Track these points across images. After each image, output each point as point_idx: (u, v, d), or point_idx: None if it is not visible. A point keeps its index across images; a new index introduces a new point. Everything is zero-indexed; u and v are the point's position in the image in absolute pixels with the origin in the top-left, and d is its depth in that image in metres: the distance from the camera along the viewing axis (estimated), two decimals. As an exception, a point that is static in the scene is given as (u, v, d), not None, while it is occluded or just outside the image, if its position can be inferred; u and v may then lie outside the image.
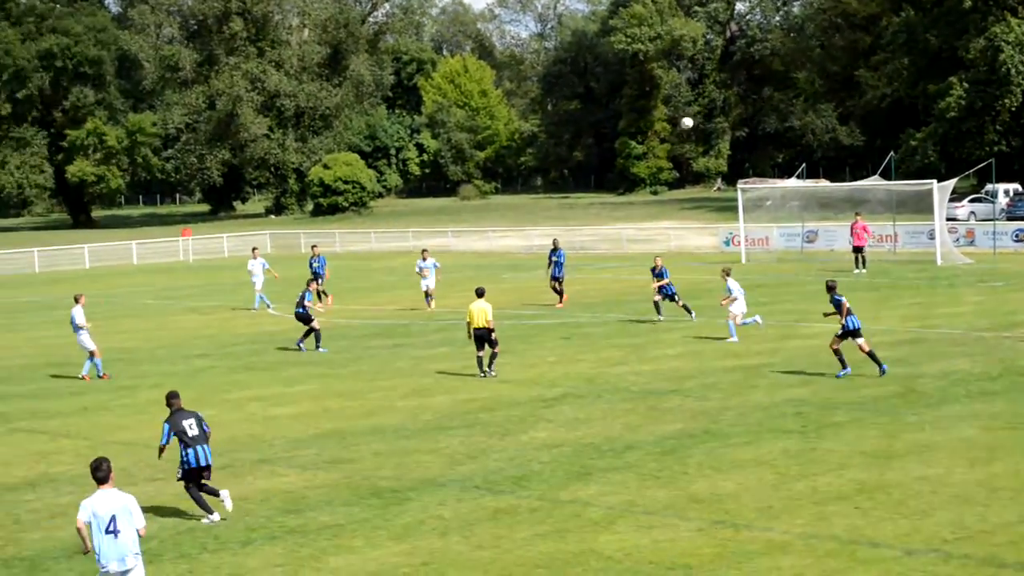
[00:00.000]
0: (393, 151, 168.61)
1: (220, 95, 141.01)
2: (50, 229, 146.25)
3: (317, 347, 40.11)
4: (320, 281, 52.47)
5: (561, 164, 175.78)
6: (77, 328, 37.01)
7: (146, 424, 29.28)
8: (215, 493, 20.98)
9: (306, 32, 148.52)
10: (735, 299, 38.63)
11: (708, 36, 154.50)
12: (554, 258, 49.59)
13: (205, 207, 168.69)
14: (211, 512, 20.96)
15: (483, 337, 33.30)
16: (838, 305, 31.18)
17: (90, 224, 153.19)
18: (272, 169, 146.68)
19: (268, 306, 52.55)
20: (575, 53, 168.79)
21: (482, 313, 33.13)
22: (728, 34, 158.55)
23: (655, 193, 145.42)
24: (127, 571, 15.36)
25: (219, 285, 68.06)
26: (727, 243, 73.37)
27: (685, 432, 25.77)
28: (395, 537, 19.54)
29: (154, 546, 19.50)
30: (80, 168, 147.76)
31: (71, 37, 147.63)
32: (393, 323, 46.03)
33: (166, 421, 21.18)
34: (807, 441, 24.50)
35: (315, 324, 40.38)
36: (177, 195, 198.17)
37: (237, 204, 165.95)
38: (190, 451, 20.90)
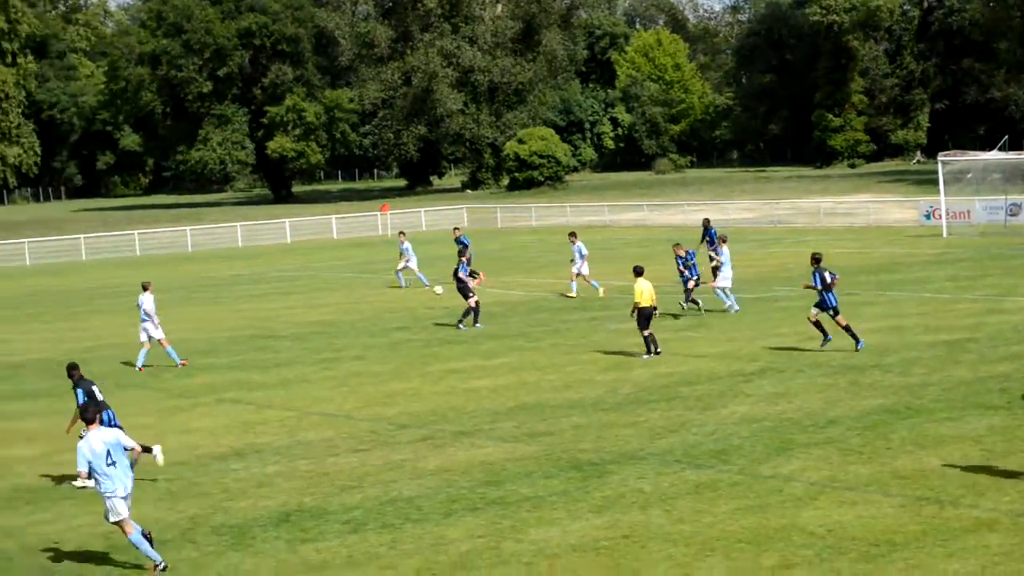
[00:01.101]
0: (587, 125, 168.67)
1: (415, 71, 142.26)
2: (252, 204, 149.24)
3: (475, 324, 40.00)
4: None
5: (756, 137, 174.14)
6: (146, 316, 35.49)
7: (347, 396, 29.76)
8: (148, 450, 20.87)
9: (499, 7, 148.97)
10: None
11: (905, 7, 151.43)
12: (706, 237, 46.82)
13: (402, 182, 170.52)
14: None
15: (649, 316, 32.92)
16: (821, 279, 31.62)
17: (291, 199, 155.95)
18: (467, 144, 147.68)
19: (425, 284, 52.23)
20: (769, 25, 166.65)
21: (650, 292, 32.82)
22: (926, 4, 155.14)
23: (853, 166, 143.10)
24: (129, 494, 17.78)
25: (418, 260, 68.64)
26: (927, 216, 71.88)
27: (886, 407, 25.35)
28: (595, 510, 19.57)
29: (359, 516, 19.82)
30: (280, 144, 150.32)
31: (269, 15, 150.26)
32: (589, 297, 46.00)
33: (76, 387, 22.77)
34: (1014, 418, 23.93)
35: (472, 301, 40.16)
36: (375, 170, 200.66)
37: (434, 179, 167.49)
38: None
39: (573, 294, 46.70)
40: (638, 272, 33.30)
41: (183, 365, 35.27)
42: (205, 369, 34.93)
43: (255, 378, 33.04)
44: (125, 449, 18.13)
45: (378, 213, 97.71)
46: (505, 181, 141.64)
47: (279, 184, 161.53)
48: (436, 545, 18.29)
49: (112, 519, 17.79)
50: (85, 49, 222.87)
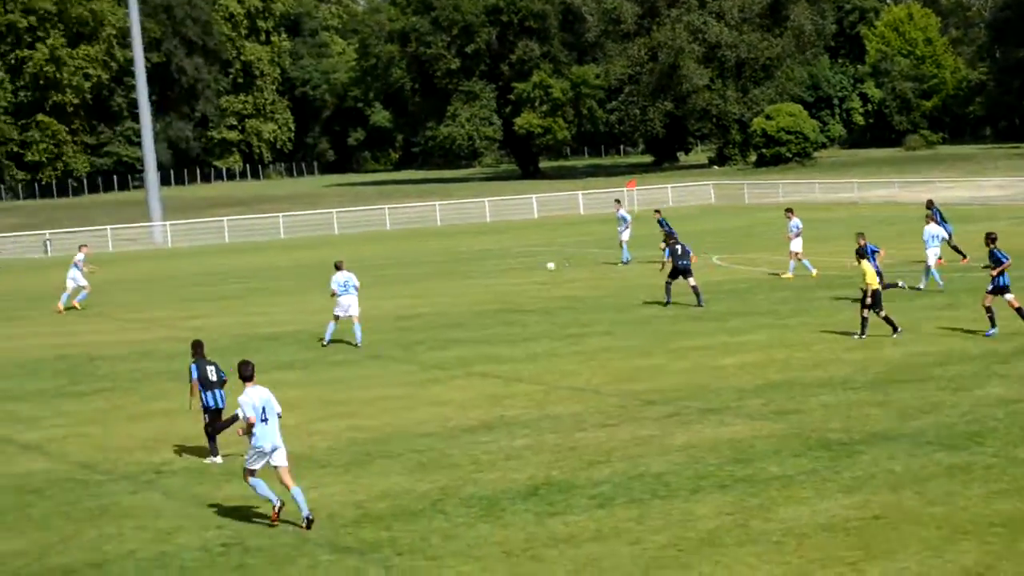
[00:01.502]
0: (836, 101, 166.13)
1: (662, 47, 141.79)
2: (500, 180, 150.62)
3: (698, 303, 39.71)
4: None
5: (1011, 112, 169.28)
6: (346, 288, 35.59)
7: (595, 370, 29.89)
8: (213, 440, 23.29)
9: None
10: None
11: None
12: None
13: (648, 158, 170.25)
14: (216, 454, 23.24)
15: (879, 297, 32.19)
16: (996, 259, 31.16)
17: (538, 175, 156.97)
18: (714, 120, 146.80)
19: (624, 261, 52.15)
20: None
21: (872, 273, 32.15)
22: None
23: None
24: (276, 448, 19.08)
25: (659, 235, 68.47)
26: None
27: None
28: (845, 490, 19.34)
29: (607, 490, 19.92)
30: (527, 120, 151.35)
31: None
32: (835, 274, 45.32)
33: (191, 364, 24.03)
34: None
35: (692, 281, 39.87)
36: (620, 146, 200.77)
37: (680, 155, 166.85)
38: (207, 393, 23.36)
39: (790, 275, 45.90)
40: (863, 254, 33.07)
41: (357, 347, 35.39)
42: (455, 342, 35.44)
43: (503, 352, 33.40)
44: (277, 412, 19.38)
45: (624, 189, 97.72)
46: (752, 157, 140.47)
47: (526, 160, 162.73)
48: (683, 521, 18.29)
49: (248, 466, 19.24)
50: (337, 27, 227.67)
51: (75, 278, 49.78)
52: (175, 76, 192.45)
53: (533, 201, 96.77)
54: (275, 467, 19.14)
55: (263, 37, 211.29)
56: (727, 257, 51.91)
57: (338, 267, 36.54)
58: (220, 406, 23.45)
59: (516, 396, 27.51)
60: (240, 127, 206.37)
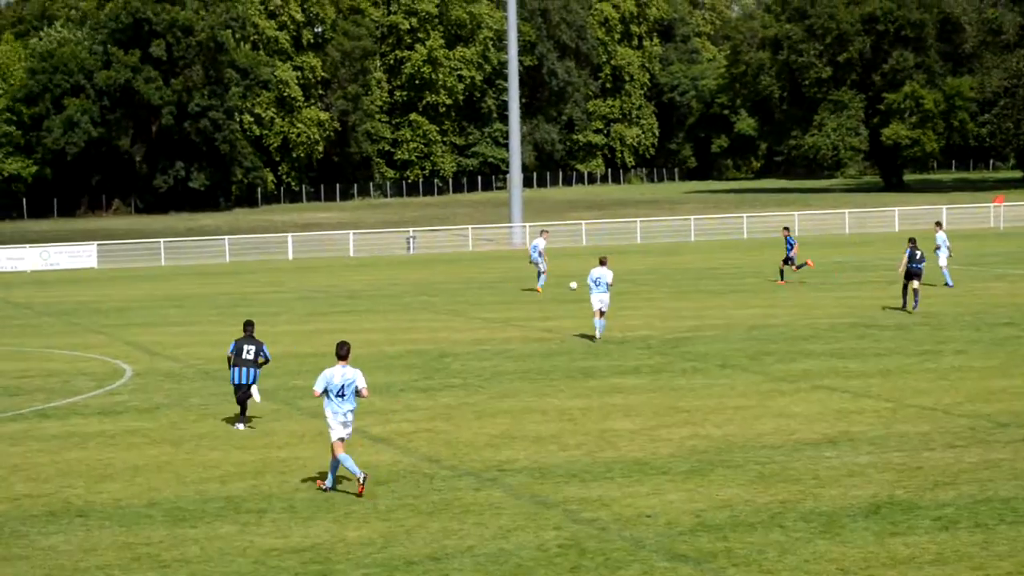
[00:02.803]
0: None
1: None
2: (861, 191, 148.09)
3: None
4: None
5: None
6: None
7: (947, 390, 29.11)
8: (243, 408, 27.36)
9: None
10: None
11: None
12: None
13: (1018, 173, 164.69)
14: (241, 422, 27.25)
15: None
16: None
17: (901, 187, 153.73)
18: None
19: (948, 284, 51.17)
20: None
21: None
22: None
23: None
24: (348, 421, 21.61)
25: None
26: None
27: None
28: None
29: (951, 513, 19.37)
30: (895, 131, 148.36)
31: (894, 1, 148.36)
32: None
33: (233, 341, 27.69)
34: None
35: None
36: (990, 160, 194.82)
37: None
38: (234, 370, 27.08)
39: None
40: None
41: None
42: (805, 355, 35.02)
43: (853, 366, 32.83)
44: (356, 391, 21.69)
45: (991, 204, 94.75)
46: None
47: (890, 172, 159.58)
48: (1040, 549, 17.66)
49: (332, 437, 21.69)
50: (709, 33, 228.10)
51: (537, 262, 55.35)
52: (546, 79, 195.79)
53: (895, 214, 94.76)
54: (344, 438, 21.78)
55: (635, 42, 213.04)
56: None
57: (602, 262, 39.16)
58: (244, 381, 27.02)
59: (863, 412, 27.00)
60: (605, 131, 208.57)
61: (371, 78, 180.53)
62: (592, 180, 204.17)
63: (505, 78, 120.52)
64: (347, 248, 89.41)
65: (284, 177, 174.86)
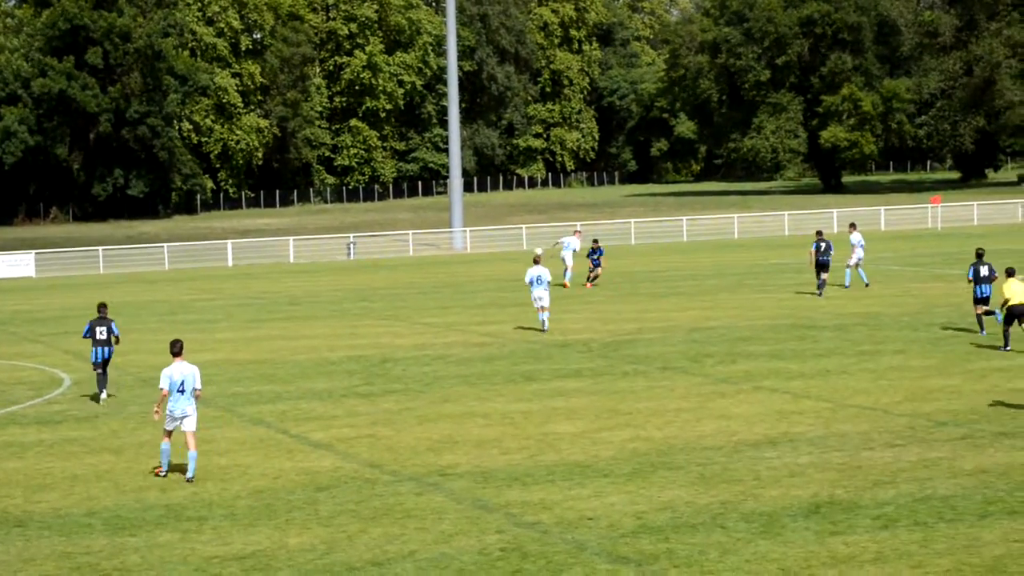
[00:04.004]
0: None
1: (978, 61, 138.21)
2: (800, 193, 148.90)
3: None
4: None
5: None
6: None
7: (885, 389, 29.31)
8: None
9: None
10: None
11: None
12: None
13: (955, 174, 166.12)
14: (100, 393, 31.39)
15: (1018, 315, 33.42)
16: None
17: (840, 189, 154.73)
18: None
19: (866, 284, 51.72)
20: None
21: (1021, 290, 33.34)
22: None
23: None
24: (185, 416, 23.08)
25: (967, 254, 66.78)
26: None
27: None
28: None
29: (891, 512, 19.50)
30: (833, 133, 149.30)
31: (831, 3, 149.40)
32: None
33: (88, 322, 32.11)
34: None
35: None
36: (927, 161, 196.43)
37: (989, 172, 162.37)
38: (97, 349, 31.26)
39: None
40: (1010, 273, 34.44)
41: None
42: (745, 356, 35.17)
43: (793, 367, 33.01)
44: (195, 387, 23.27)
45: (928, 205, 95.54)
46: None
47: (829, 174, 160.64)
48: (969, 547, 17.78)
49: (165, 427, 23.46)
50: (648, 37, 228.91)
51: (564, 258, 58.34)
52: (485, 84, 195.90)
53: (834, 215, 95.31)
54: (184, 431, 23.19)
55: (575, 46, 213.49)
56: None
57: (536, 261, 42.12)
58: (101, 359, 31.25)
59: (803, 412, 27.15)
60: (545, 135, 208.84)
61: (310, 84, 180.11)
62: (532, 184, 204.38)
63: (445, 83, 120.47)
64: (287, 254, 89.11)
65: (223, 184, 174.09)
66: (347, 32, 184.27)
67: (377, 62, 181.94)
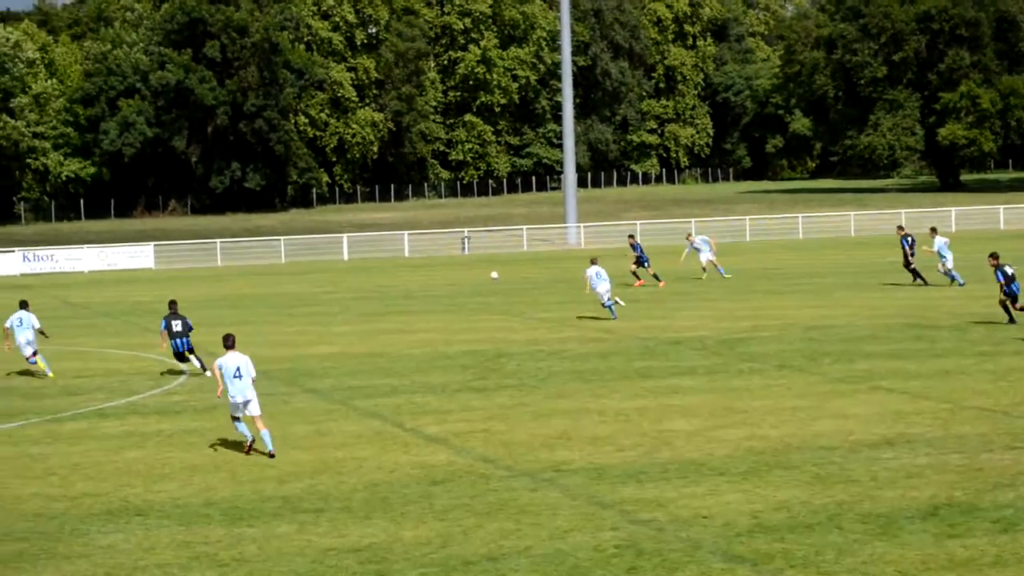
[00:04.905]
0: None
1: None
2: (917, 191, 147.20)
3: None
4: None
5: None
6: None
7: (1005, 390, 28.89)
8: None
9: None
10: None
11: None
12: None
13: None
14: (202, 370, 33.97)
15: None
16: None
17: (958, 187, 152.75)
18: None
19: (959, 283, 51.38)
20: None
21: None
22: None
23: None
24: (248, 401, 24.48)
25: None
26: None
27: None
28: None
29: (1010, 515, 19.21)
30: (951, 131, 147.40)
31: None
32: None
33: (163, 318, 34.58)
34: None
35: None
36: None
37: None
38: (175, 340, 33.84)
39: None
40: None
41: None
42: (863, 355, 34.84)
43: (911, 367, 32.63)
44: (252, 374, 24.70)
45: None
46: None
47: (947, 172, 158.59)
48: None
49: (233, 414, 25.02)
50: (763, 32, 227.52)
51: (700, 259, 59.53)
52: (599, 79, 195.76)
53: (952, 214, 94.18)
54: (250, 415, 24.59)
55: (689, 42, 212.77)
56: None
57: (593, 261, 44.70)
58: (182, 350, 33.87)
59: (921, 413, 26.83)
60: (659, 131, 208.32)
61: (425, 79, 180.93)
62: (646, 180, 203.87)
63: (559, 78, 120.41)
64: (402, 248, 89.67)
65: (339, 178, 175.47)
66: (462, 27, 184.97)
67: (491, 57, 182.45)
